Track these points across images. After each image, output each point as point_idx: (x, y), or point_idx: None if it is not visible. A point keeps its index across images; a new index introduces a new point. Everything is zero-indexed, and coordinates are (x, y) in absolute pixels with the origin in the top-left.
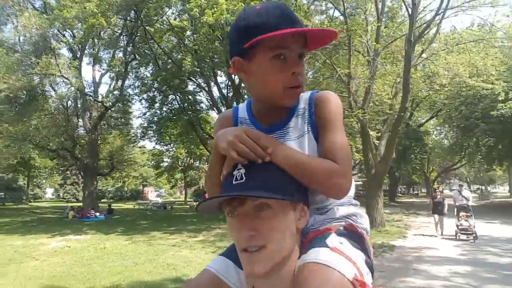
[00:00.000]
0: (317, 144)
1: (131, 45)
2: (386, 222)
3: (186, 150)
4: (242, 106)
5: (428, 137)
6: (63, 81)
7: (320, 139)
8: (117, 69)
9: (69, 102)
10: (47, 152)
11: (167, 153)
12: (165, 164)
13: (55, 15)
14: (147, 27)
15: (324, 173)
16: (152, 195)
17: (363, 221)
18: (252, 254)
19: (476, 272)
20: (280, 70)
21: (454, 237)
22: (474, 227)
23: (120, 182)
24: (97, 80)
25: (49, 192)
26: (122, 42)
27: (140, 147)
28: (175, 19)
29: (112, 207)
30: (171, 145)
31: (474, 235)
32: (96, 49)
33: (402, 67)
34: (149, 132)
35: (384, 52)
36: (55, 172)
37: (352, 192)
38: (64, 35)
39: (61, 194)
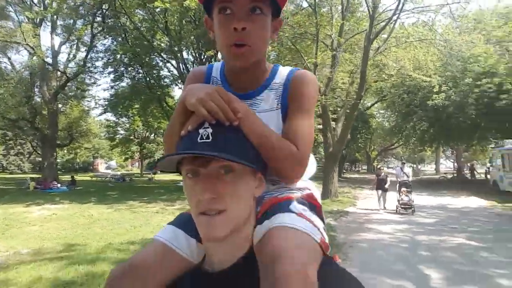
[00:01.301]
0: (283, 123)
1: (100, 16)
2: (338, 193)
3: (143, 123)
4: (217, 65)
5: (373, 120)
6: (25, 50)
7: (287, 119)
8: (76, 39)
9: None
10: (6, 122)
11: (122, 125)
12: (120, 136)
13: None
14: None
15: (282, 155)
16: (101, 167)
17: (317, 194)
18: (212, 217)
19: (411, 229)
20: (223, 25)
21: (395, 211)
22: (413, 201)
23: (71, 153)
24: (56, 48)
25: None
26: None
27: (103, 120)
28: None
29: (75, 178)
30: (128, 118)
31: (413, 208)
32: (55, 17)
33: (360, 58)
34: (115, 105)
35: (344, 44)
36: None
37: (310, 173)
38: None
39: (4, 165)
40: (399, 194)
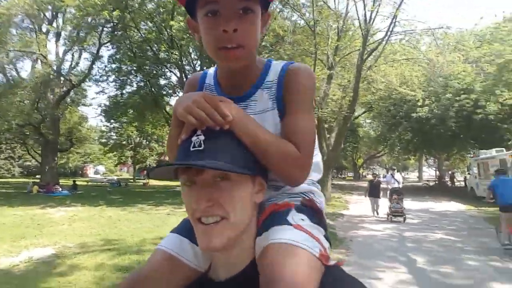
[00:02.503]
0: (280, 122)
1: (109, 29)
2: (331, 198)
3: (137, 129)
4: (211, 71)
5: (360, 129)
6: (37, 58)
7: (285, 118)
8: (80, 48)
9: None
10: (15, 127)
11: (116, 131)
12: (113, 141)
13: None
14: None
15: (281, 158)
16: (90, 172)
17: (321, 199)
18: (209, 226)
19: (399, 227)
20: (211, 28)
21: (386, 219)
22: (404, 208)
23: (64, 158)
24: (60, 56)
25: None
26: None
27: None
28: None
29: (76, 183)
30: (122, 124)
31: (404, 216)
32: (60, 27)
33: (351, 73)
34: (117, 112)
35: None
36: None
37: (316, 176)
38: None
39: None
40: (391, 201)
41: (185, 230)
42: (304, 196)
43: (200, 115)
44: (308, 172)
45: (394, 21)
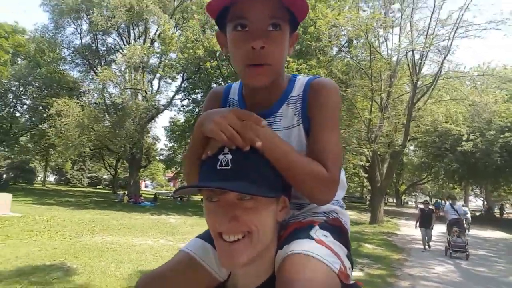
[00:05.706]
0: (306, 138)
1: (192, 67)
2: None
3: None
4: (235, 86)
5: (404, 156)
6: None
7: (311, 135)
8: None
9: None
10: (115, 148)
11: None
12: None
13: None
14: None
15: (310, 178)
16: (142, 185)
17: (345, 220)
18: (231, 244)
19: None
20: (240, 44)
21: (444, 253)
22: (467, 244)
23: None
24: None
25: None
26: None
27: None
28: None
29: (157, 195)
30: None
31: (467, 252)
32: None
33: (402, 111)
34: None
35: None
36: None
37: (339, 194)
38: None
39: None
40: (450, 234)
41: (210, 236)
42: (327, 215)
43: (231, 133)
44: (336, 191)
45: (439, 71)
